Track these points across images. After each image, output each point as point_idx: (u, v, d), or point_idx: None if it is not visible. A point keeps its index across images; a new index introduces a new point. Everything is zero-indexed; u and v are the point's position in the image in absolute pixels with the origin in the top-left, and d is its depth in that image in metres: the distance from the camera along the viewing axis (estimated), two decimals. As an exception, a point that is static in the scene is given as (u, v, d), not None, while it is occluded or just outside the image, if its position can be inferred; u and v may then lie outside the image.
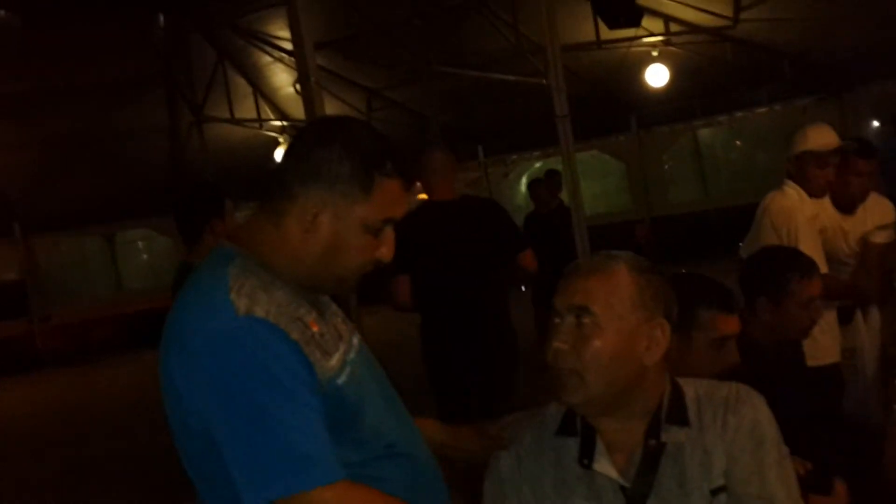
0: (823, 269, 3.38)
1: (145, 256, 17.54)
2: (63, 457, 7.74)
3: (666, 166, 15.14)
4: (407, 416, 1.74)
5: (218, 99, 12.73)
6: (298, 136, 1.69)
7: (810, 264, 2.75)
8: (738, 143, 15.18)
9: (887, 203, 4.09)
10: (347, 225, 1.56)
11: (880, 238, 3.99)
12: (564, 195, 8.14)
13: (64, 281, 15.74)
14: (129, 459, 7.14)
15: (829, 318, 3.62)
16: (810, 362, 3.06)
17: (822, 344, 3.52)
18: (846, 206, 3.96)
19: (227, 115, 12.95)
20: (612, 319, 1.61)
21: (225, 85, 12.68)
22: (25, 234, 14.21)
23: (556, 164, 9.35)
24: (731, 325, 2.21)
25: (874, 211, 4.02)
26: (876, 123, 12.18)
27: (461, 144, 12.73)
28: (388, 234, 1.62)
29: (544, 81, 7.37)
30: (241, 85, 13.23)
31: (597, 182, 15.49)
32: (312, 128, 1.81)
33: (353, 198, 1.56)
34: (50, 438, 8.71)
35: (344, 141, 1.57)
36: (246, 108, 13.41)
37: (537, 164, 15.10)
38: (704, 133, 14.91)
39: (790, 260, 2.76)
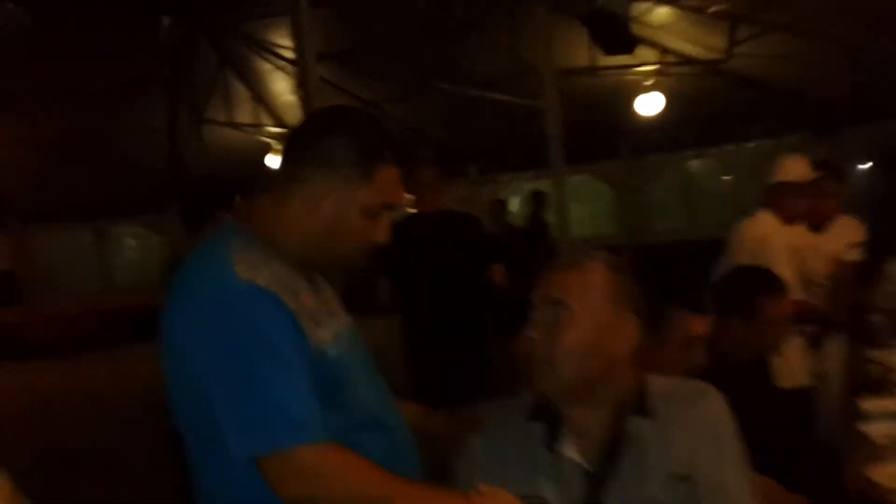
0: (796, 294, 3.51)
1: (137, 254, 17.54)
2: (39, 446, 7.74)
3: (654, 194, 15.29)
4: (388, 393, 1.83)
5: (217, 103, 12.85)
6: (303, 125, 1.79)
7: (780, 283, 2.86)
8: (727, 176, 15.33)
9: (857, 223, 4.34)
10: (348, 209, 1.66)
11: (851, 256, 4.21)
12: (551, 215, 8.24)
13: (55, 273, 15.72)
14: (105, 451, 7.16)
15: (799, 343, 3.76)
16: (780, 384, 3.17)
17: (793, 367, 3.63)
18: (817, 225, 4.21)
19: (225, 118, 13.07)
20: (586, 313, 1.69)
21: (225, 89, 12.81)
22: (19, 226, 14.20)
23: (547, 185, 9.47)
24: (699, 325, 2.30)
25: (845, 230, 4.28)
26: (869, 164, 12.34)
27: (455, 162, 12.84)
28: (386, 218, 1.72)
29: (539, 103, 7.50)
30: (241, 90, 13.33)
31: (587, 205, 15.63)
32: (316, 117, 1.89)
33: (355, 184, 1.65)
34: (29, 427, 8.72)
35: (347, 130, 1.67)
36: (244, 113, 13.52)
37: (527, 186, 15.24)
38: (694, 164, 15.04)
39: (761, 278, 2.86)
